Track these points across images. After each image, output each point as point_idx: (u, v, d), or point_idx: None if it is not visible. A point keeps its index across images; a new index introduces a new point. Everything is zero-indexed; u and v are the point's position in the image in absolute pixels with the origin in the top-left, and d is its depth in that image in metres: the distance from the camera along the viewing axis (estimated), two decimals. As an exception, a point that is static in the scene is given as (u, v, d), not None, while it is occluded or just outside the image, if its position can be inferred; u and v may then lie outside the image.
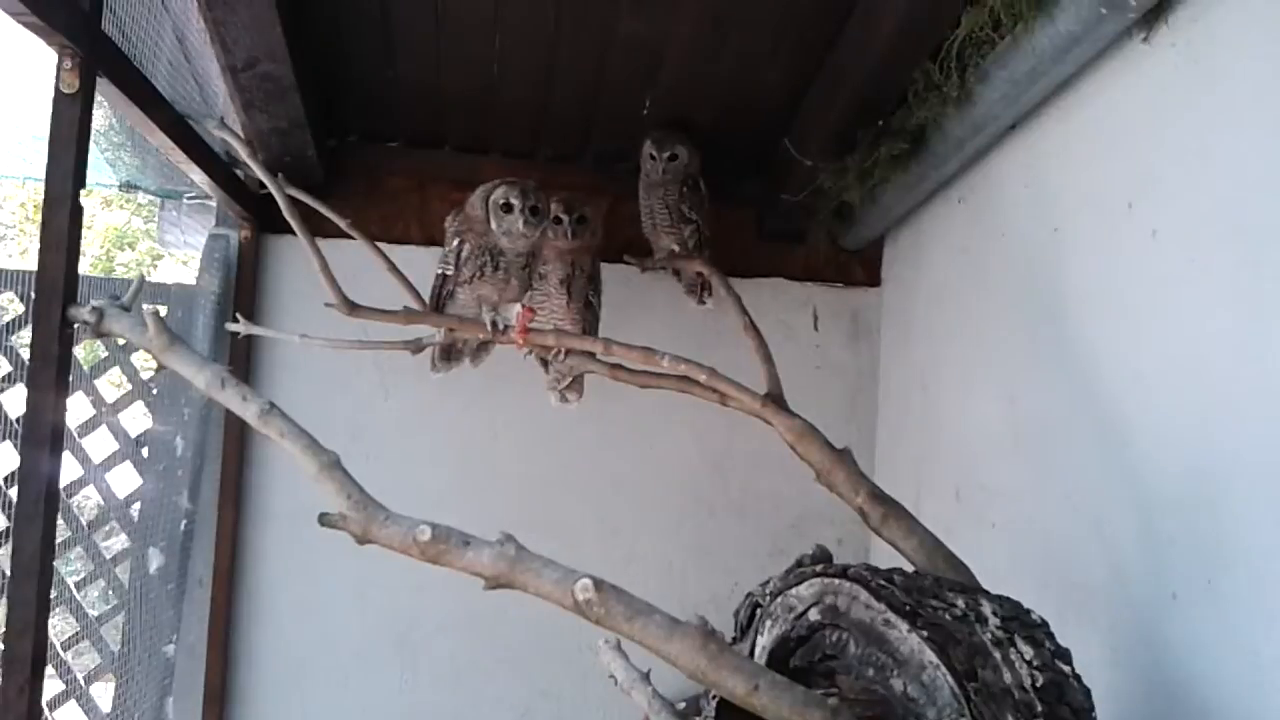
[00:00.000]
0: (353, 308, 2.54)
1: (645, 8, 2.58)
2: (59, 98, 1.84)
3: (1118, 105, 2.13)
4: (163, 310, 3.08)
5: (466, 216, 2.63)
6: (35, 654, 1.81)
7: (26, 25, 1.70)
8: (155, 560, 2.98)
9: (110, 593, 3.19)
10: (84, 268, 1.92)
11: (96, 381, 3.23)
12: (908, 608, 1.48)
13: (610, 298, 2.98)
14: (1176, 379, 1.89)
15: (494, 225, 2.56)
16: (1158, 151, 1.98)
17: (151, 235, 8.46)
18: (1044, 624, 1.54)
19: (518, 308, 2.62)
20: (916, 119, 2.65)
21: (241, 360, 3.12)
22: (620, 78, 2.91)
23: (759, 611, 1.79)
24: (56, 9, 1.74)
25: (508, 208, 2.55)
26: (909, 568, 1.83)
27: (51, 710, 3.07)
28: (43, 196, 1.86)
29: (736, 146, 3.23)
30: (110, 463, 3.18)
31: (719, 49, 2.75)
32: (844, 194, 3.07)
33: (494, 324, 2.60)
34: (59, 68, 1.83)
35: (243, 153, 2.51)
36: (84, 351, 3.94)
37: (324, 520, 1.55)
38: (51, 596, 1.91)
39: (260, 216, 3.14)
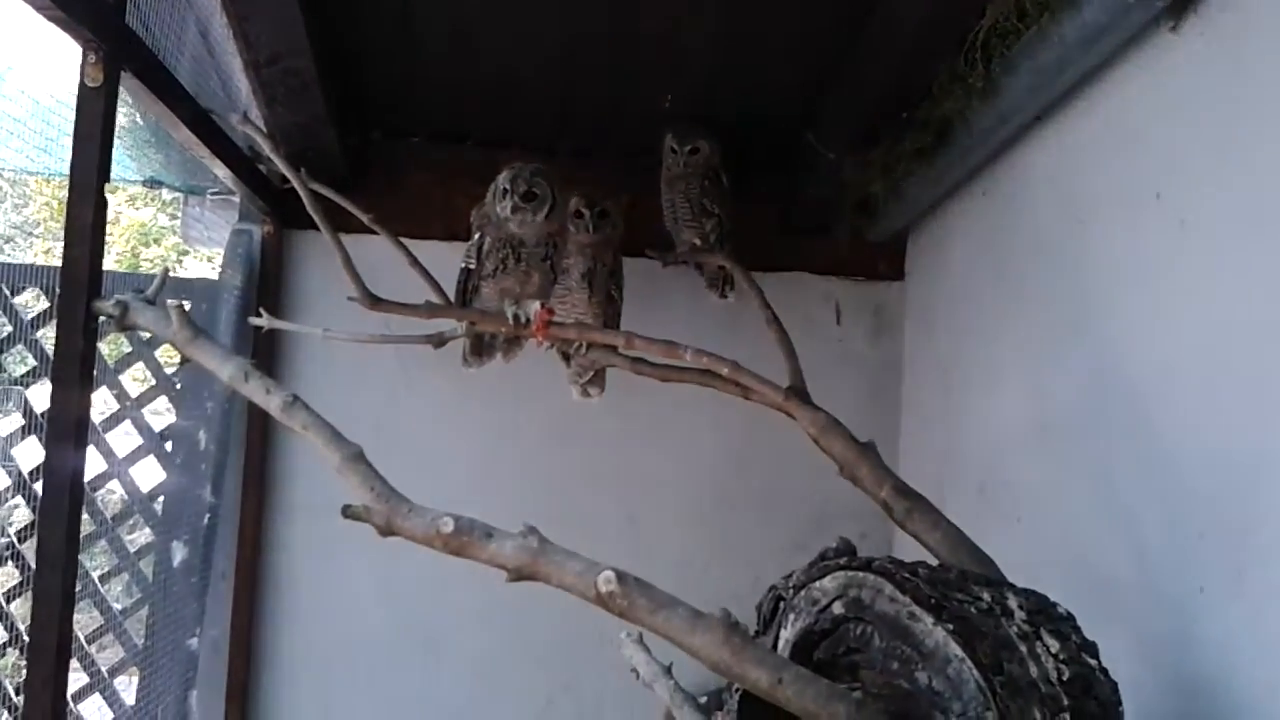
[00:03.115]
0: (375, 302, 2.55)
1: (667, 1, 2.58)
2: (83, 92, 1.85)
3: (1146, 95, 2.11)
4: (187, 305, 3.09)
5: (485, 210, 2.63)
6: (60, 646, 1.82)
7: (51, 19, 1.71)
8: (179, 554, 3.00)
9: (134, 586, 3.21)
10: (110, 264, 1.93)
11: (120, 376, 3.24)
12: (933, 601, 1.46)
13: (632, 292, 2.98)
14: (1205, 370, 1.87)
15: (499, 211, 2.56)
16: (1187, 141, 1.96)
17: (176, 231, 8.52)
18: (1070, 617, 1.52)
19: (537, 305, 2.61)
20: (941, 111, 2.63)
21: (264, 354, 3.12)
22: (642, 71, 2.90)
23: (782, 605, 1.78)
24: (81, 3, 1.75)
25: (503, 193, 2.55)
26: (933, 562, 1.82)
27: (76, 703, 3.09)
28: (67, 191, 1.87)
29: (759, 140, 3.21)
30: (134, 457, 3.20)
31: (741, 41, 2.74)
32: (867, 187, 3.06)
33: (515, 317, 2.60)
34: (83, 62, 1.84)
35: (266, 148, 2.53)
36: (108, 347, 3.97)
37: (347, 512, 1.55)
38: (76, 590, 1.92)
39: (283, 212, 3.15)
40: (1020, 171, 2.68)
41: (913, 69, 2.60)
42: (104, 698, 3.13)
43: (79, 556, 1.92)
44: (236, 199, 3.25)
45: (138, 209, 9.52)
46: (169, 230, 9.46)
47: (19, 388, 3.19)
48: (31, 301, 3.34)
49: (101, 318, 1.88)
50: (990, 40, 2.36)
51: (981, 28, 2.36)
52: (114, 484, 3.19)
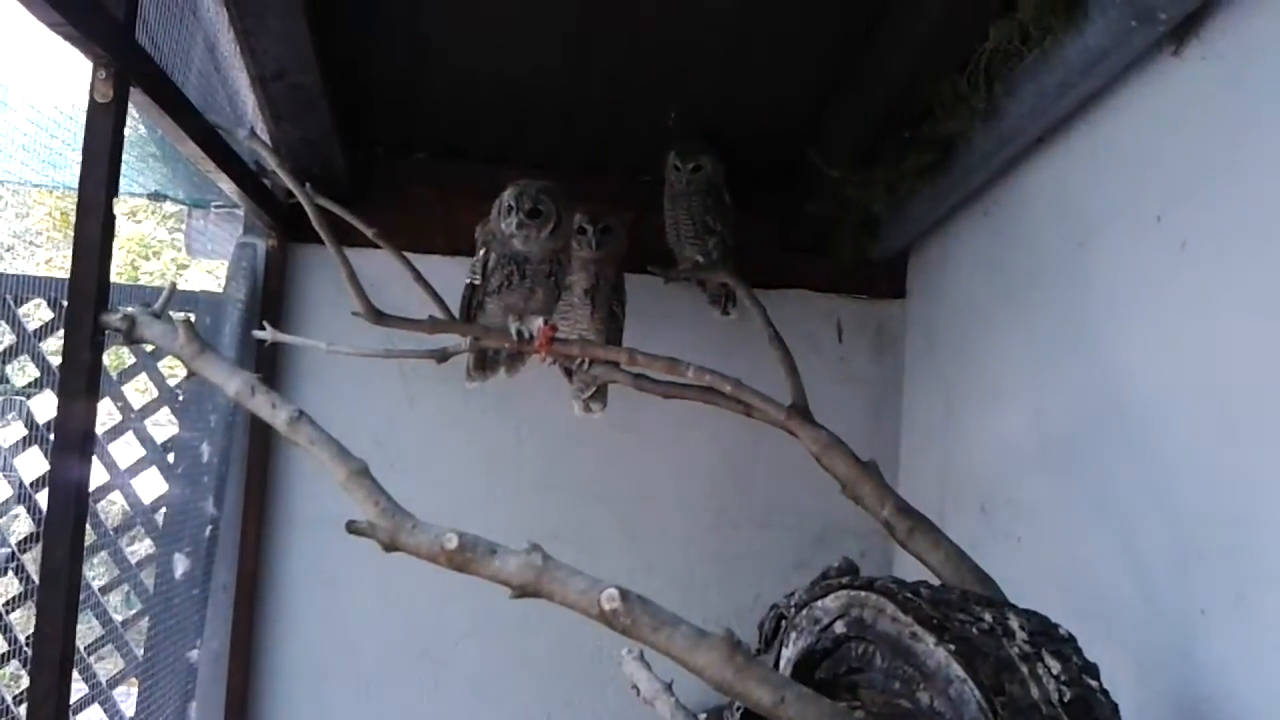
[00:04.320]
0: (379, 316, 2.56)
1: (670, 19, 2.59)
2: (93, 107, 1.85)
3: (1147, 118, 2.12)
4: (191, 318, 3.10)
5: (490, 226, 2.64)
6: (63, 659, 1.81)
7: (64, 35, 1.71)
8: (180, 565, 2.99)
9: (135, 597, 3.21)
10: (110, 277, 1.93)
11: (124, 388, 3.25)
12: (935, 621, 1.47)
13: (634, 308, 2.98)
14: (1206, 391, 1.88)
15: (503, 228, 2.56)
16: (1188, 164, 1.97)
17: (175, 245, 8.53)
18: (1071, 639, 1.53)
19: (540, 321, 2.62)
20: (944, 131, 2.64)
21: (267, 368, 3.12)
22: (645, 88, 2.92)
23: (784, 623, 1.78)
24: (92, 20, 1.76)
25: (508, 209, 2.56)
26: (935, 581, 1.82)
27: (75, 714, 3.09)
28: (76, 205, 1.88)
29: (761, 157, 3.22)
30: (137, 468, 3.20)
31: (744, 59, 2.76)
32: (869, 205, 3.07)
33: (519, 333, 2.60)
34: (94, 78, 1.84)
35: (272, 162, 2.53)
36: (111, 358, 3.96)
37: (352, 527, 1.55)
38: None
39: (287, 226, 3.16)
40: (1022, 192, 2.69)
41: (916, 89, 2.61)
42: (103, 709, 3.12)
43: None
44: (241, 212, 3.25)
45: (138, 222, 9.52)
46: (168, 244, 9.47)
47: (21, 398, 3.19)
48: (34, 312, 3.34)
49: (108, 331, 1.89)
50: (993, 62, 2.37)
51: (985, 49, 2.36)
52: (116, 495, 3.20)
